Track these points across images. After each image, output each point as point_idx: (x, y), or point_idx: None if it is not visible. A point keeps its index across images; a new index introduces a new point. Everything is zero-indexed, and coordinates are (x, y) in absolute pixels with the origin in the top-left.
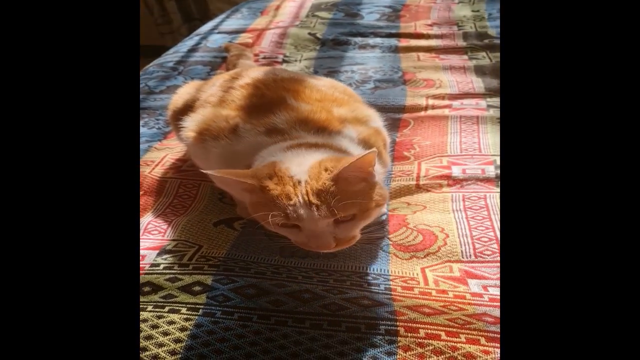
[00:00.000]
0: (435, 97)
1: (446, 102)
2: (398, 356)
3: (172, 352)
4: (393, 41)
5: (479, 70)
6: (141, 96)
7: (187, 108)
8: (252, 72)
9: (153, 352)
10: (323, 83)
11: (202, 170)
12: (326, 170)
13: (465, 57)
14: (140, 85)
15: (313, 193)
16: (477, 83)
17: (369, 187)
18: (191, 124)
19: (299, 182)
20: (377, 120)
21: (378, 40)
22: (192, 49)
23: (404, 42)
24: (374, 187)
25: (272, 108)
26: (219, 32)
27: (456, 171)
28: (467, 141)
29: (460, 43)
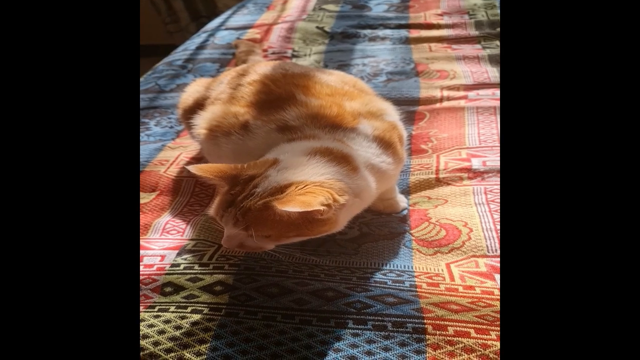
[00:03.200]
0: (450, 88)
1: (461, 93)
2: (427, 354)
3: (197, 353)
4: (403, 32)
5: (494, 60)
6: (152, 95)
7: (197, 106)
8: (259, 68)
9: (178, 353)
10: (333, 78)
11: (187, 167)
12: (279, 198)
13: (479, 46)
14: (151, 85)
15: (245, 210)
16: (492, 73)
17: (309, 220)
18: (202, 122)
19: (253, 194)
20: (392, 114)
21: (388, 32)
22: (201, 46)
23: (414, 33)
24: (315, 222)
25: (281, 104)
26: (226, 29)
27: (476, 163)
28: (485, 132)
29: (473, 32)
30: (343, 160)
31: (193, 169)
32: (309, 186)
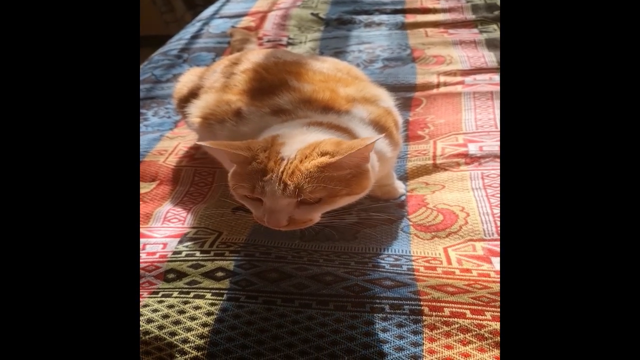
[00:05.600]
0: (446, 73)
1: (458, 78)
2: (424, 335)
3: (201, 336)
4: (399, 17)
5: (491, 44)
6: (148, 85)
7: (192, 95)
8: (252, 56)
9: (182, 336)
10: (327, 65)
11: (198, 143)
12: (325, 154)
13: (476, 30)
14: (147, 75)
15: (290, 173)
16: (489, 57)
17: (354, 174)
18: (196, 110)
19: (283, 159)
20: (387, 100)
21: (383, 17)
22: (195, 36)
23: (410, 18)
24: (360, 175)
25: (274, 90)
26: (220, 17)
27: (473, 149)
28: (482, 118)
29: (470, 16)
30: (345, 132)
31: (209, 143)
32: (333, 139)
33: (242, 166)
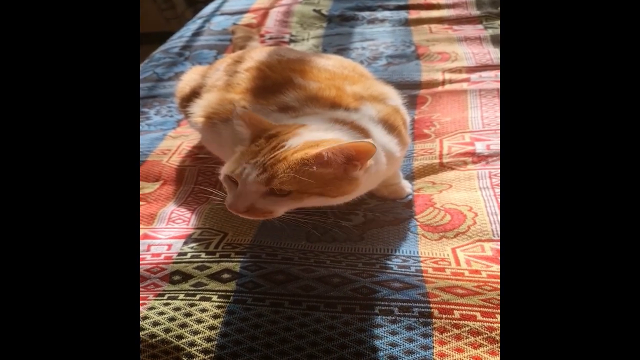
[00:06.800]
0: (451, 70)
1: (464, 75)
2: (434, 338)
3: (208, 339)
4: (402, 13)
5: (496, 40)
6: (150, 84)
7: (194, 94)
8: (255, 54)
9: (189, 339)
10: (332, 62)
11: (239, 109)
12: (326, 146)
13: (480, 26)
14: (149, 73)
15: (277, 160)
16: (494, 54)
17: (338, 177)
18: (199, 110)
19: (283, 146)
20: (395, 98)
21: (387, 13)
22: (196, 33)
23: (414, 14)
24: (343, 180)
25: (279, 89)
26: (221, 14)
27: (480, 147)
28: (488, 116)
29: (474, 12)
30: (361, 132)
31: (240, 110)
32: (343, 140)
33: (241, 148)
